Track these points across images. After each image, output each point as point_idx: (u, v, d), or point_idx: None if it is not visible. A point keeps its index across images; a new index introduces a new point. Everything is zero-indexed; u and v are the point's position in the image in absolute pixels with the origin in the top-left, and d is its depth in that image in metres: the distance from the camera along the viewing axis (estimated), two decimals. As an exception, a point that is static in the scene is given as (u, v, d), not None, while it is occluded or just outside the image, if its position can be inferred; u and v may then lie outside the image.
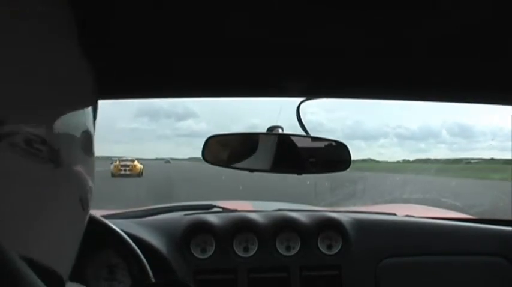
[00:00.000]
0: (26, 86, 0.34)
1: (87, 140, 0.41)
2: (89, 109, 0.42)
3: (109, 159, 19.79)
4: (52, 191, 0.36)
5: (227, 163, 1.07)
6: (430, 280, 1.28)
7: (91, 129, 0.42)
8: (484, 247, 1.30)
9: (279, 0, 0.55)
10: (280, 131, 1.05)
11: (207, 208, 1.46)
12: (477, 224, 1.39)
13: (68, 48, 0.40)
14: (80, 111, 0.40)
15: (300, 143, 1.06)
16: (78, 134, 0.40)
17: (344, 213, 1.37)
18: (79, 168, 0.40)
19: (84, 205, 0.41)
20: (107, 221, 1.02)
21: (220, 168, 1.10)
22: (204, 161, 1.06)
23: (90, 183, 0.42)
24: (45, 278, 0.30)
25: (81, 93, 0.42)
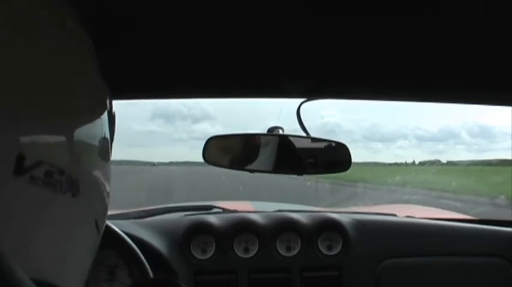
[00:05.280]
0: (45, 116, 0.34)
1: (104, 148, 0.41)
2: (105, 115, 0.42)
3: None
4: (70, 220, 0.36)
5: (227, 164, 1.07)
6: (430, 281, 1.28)
7: (107, 134, 0.42)
8: (485, 247, 1.30)
9: (279, 1, 0.55)
10: (280, 131, 1.05)
11: (207, 208, 1.46)
12: (477, 225, 1.39)
13: (81, 55, 0.39)
14: (97, 121, 0.40)
15: (300, 144, 1.06)
16: (95, 149, 0.39)
17: (344, 214, 1.37)
18: (96, 189, 0.40)
19: (100, 227, 0.41)
20: (107, 222, 1.02)
21: (220, 170, 1.09)
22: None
23: (106, 201, 0.42)
24: None
25: (97, 102, 0.41)
